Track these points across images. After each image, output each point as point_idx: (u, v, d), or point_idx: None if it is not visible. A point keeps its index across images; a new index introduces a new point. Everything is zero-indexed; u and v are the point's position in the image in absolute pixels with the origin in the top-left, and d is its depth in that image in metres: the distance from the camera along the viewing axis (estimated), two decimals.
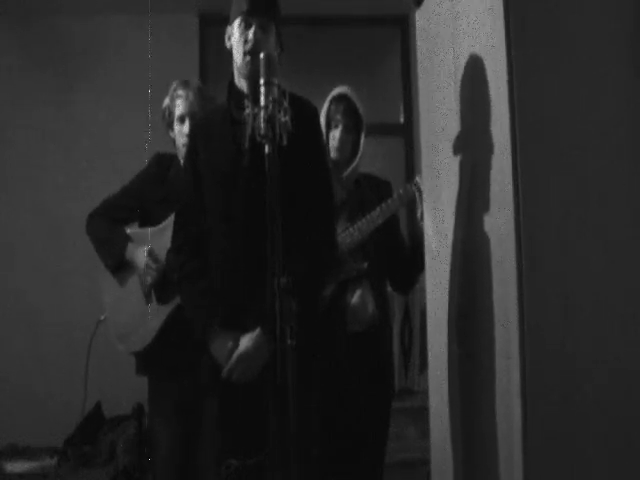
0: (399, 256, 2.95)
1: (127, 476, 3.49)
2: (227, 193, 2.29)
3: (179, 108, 2.84)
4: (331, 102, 2.92)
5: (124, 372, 2.98)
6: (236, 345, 2.20)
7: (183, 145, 2.82)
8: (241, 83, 2.34)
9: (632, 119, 1.89)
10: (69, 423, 3.87)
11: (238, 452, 2.21)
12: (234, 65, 2.35)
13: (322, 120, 2.87)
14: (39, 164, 4.64)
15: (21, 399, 4.33)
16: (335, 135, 2.87)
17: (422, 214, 2.75)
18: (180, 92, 2.85)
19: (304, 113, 2.27)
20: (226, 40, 2.36)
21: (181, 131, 2.83)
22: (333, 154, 2.87)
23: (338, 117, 2.88)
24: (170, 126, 2.89)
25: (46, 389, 4.33)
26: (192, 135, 2.48)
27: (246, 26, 2.28)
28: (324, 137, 2.82)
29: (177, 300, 2.69)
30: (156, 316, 2.75)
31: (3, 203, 4.60)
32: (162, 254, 2.75)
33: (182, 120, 2.83)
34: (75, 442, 3.86)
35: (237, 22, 2.30)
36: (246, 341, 2.19)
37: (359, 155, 2.91)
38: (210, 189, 2.33)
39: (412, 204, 2.88)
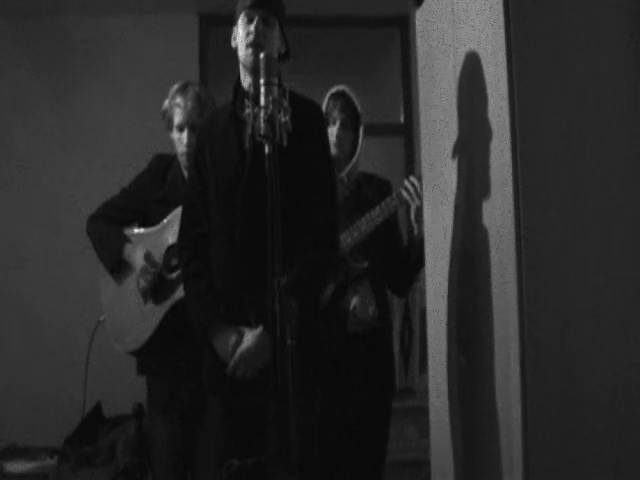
0: (397, 255, 2.95)
1: (127, 476, 3.49)
2: (229, 193, 2.29)
3: (177, 117, 2.81)
4: (329, 99, 2.92)
5: (124, 372, 2.99)
6: (239, 341, 2.20)
7: (182, 154, 2.82)
8: (247, 82, 2.34)
9: (632, 116, 1.89)
10: (69, 423, 3.87)
11: (239, 452, 2.21)
12: (240, 64, 2.36)
13: None
14: (39, 164, 4.63)
15: (21, 399, 4.33)
16: (333, 131, 2.87)
17: (416, 213, 2.77)
18: (178, 100, 2.82)
19: (308, 113, 2.28)
20: (232, 40, 2.38)
21: (180, 140, 2.81)
22: (332, 150, 2.87)
23: (335, 113, 2.88)
24: (170, 129, 2.88)
25: (46, 389, 4.33)
26: (199, 136, 2.48)
27: (249, 20, 2.30)
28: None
29: (173, 300, 2.69)
30: (152, 316, 2.75)
31: (3, 203, 4.60)
32: (160, 254, 2.75)
33: (181, 129, 2.81)
34: (75, 442, 3.86)
35: (241, 17, 2.32)
36: (249, 338, 2.20)
37: (358, 152, 2.91)
38: (213, 189, 2.34)
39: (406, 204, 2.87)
